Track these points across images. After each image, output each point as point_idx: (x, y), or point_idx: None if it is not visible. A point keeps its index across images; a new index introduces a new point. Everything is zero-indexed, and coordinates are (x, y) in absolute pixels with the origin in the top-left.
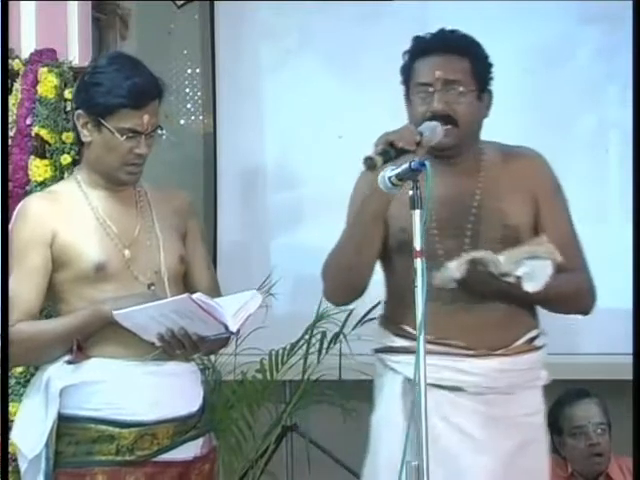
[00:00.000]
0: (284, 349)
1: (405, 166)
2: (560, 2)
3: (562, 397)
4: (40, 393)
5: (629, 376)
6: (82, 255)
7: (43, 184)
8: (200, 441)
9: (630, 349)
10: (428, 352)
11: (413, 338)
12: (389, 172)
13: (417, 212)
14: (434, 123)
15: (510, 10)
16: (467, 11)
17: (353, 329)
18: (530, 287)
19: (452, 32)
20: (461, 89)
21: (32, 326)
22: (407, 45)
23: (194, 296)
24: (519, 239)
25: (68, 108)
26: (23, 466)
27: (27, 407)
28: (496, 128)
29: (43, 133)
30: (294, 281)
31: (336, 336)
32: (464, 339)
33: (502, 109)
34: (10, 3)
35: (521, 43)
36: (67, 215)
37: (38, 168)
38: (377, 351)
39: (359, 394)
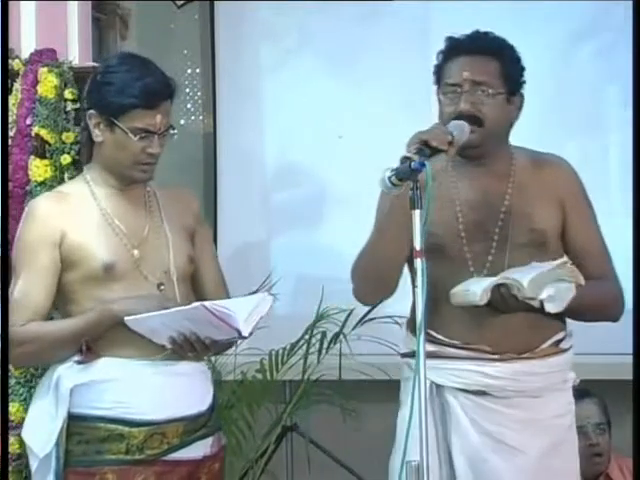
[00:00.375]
0: (284, 349)
1: (405, 166)
2: (560, 2)
3: None
4: (50, 392)
5: (629, 376)
6: (91, 255)
7: (43, 184)
8: (210, 440)
9: (630, 349)
10: (454, 357)
11: (439, 343)
12: (389, 172)
13: (417, 212)
14: (461, 122)
15: (510, 10)
16: (467, 11)
17: (353, 329)
18: (552, 308)
19: (485, 34)
20: (489, 91)
21: (42, 326)
22: (407, 45)
23: (207, 304)
24: (546, 244)
25: (68, 108)
26: (34, 465)
27: (37, 406)
28: None
29: (43, 133)
30: (294, 281)
31: (336, 336)
32: (489, 343)
33: None
34: (10, 3)
35: (521, 43)
36: (76, 215)
37: (38, 168)
38: (404, 355)
39: (359, 394)
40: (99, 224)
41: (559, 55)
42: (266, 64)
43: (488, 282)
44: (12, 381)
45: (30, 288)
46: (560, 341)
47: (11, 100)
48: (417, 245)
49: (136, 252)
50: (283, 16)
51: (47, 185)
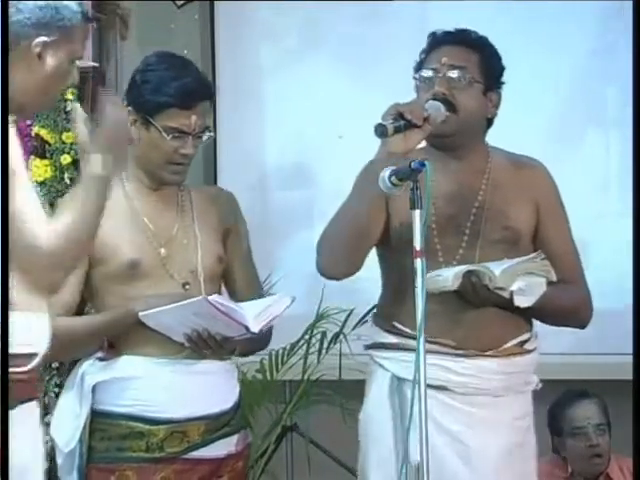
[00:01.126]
0: (284, 349)
1: (405, 166)
2: (560, 2)
3: (562, 398)
4: (75, 388)
5: (629, 376)
6: (117, 252)
7: (43, 184)
8: (235, 438)
9: (630, 349)
10: (416, 349)
11: (403, 335)
12: (388, 172)
13: (417, 212)
14: (437, 103)
15: (509, 10)
16: (467, 11)
17: (353, 329)
18: (521, 302)
19: (467, 29)
20: (466, 76)
21: (63, 322)
22: (408, 45)
23: (210, 298)
24: (518, 243)
25: (68, 108)
26: (59, 460)
27: (63, 402)
28: (496, 127)
29: (43, 133)
30: (294, 281)
31: (336, 336)
32: (455, 338)
33: (501, 108)
34: (10, 3)
35: (520, 42)
36: (105, 212)
37: (38, 168)
38: (367, 347)
39: (359, 394)
40: (128, 222)
41: (559, 54)
42: (266, 64)
43: (460, 268)
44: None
45: None
46: (525, 342)
47: None
48: (417, 245)
49: (163, 251)
50: (283, 16)
51: (47, 185)
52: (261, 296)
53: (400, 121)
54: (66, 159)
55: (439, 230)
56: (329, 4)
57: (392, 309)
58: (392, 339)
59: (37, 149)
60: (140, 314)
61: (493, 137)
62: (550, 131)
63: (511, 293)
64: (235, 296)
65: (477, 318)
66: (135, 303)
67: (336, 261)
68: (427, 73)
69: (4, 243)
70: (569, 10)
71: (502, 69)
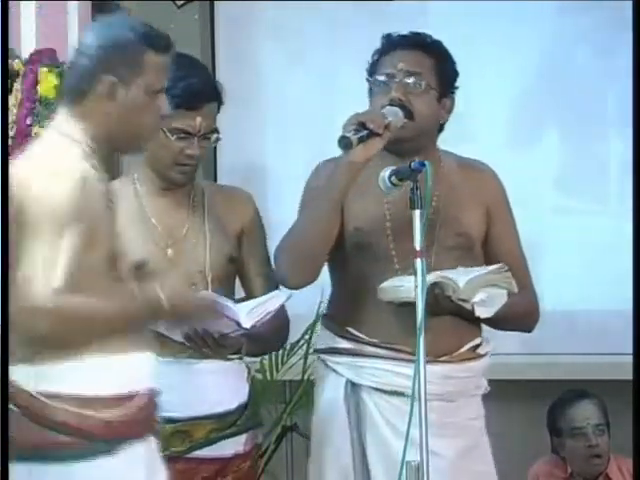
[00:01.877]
0: (284, 349)
1: (405, 166)
2: (560, 2)
3: (561, 398)
4: None
5: (629, 376)
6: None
7: None
8: (242, 438)
9: (630, 349)
10: (372, 355)
11: (357, 340)
12: (388, 172)
13: (417, 212)
14: (395, 108)
15: (510, 10)
16: (466, 11)
17: None
18: (483, 313)
19: (422, 33)
20: (422, 83)
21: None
22: None
23: (200, 294)
24: (472, 249)
25: None
26: None
27: None
28: (496, 127)
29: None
30: None
31: None
32: (409, 344)
33: (502, 108)
34: (10, 3)
35: (521, 43)
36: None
37: None
38: (318, 352)
39: None
40: (136, 222)
41: (558, 54)
42: (266, 64)
43: (430, 276)
44: None
45: None
46: (477, 346)
47: (11, 100)
48: (417, 245)
49: (170, 251)
50: (284, 16)
51: None
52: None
53: (362, 131)
54: None
55: (394, 236)
56: (329, 4)
57: (346, 315)
58: (346, 344)
59: None
60: None
61: (494, 137)
62: (550, 130)
63: (472, 304)
64: (252, 296)
65: (432, 325)
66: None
67: (299, 270)
68: (382, 77)
69: (4, 243)
70: (569, 9)
71: (456, 74)
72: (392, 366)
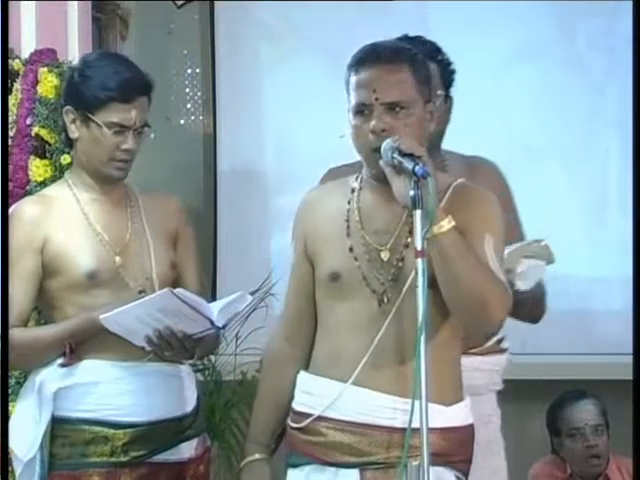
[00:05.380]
0: None
1: (409, 164)
2: (560, 1)
3: (560, 398)
4: (33, 396)
5: (629, 376)
6: (74, 263)
7: (43, 184)
8: (194, 442)
9: (630, 349)
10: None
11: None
12: (393, 149)
13: (418, 212)
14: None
15: (509, 10)
16: (466, 11)
17: None
18: (522, 285)
19: (416, 38)
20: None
21: (24, 333)
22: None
23: (175, 290)
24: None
25: None
26: (18, 469)
27: (20, 411)
28: (497, 127)
29: (43, 133)
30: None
31: None
32: None
33: (502, 108)
34: (10, 3)
35: (521, 43)
36: (59, 221)
37: (38, 168)
38: None
39: None
40: (82, 230)
41: (558, 54)
42: (266, 64)
43: None
44: (12, 381)
45: (12, 293)
46: (500, 340)
47: (11, 100)
48: (418, 245)
49: (118, 259)
50: (283, 16)
51: (47, 185)
52: (209, 300)
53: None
54: (66, 159)
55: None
56: (329, 4)
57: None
58: None
59: (37, 149)
60: (101, 317)
61: (497, 141)
62: (549, 130)
63: (513, 277)
64: None
65: None
66: (95, 311)
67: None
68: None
69: (4, 243)
70: (569, 9)
71: (452, 75)
72: None
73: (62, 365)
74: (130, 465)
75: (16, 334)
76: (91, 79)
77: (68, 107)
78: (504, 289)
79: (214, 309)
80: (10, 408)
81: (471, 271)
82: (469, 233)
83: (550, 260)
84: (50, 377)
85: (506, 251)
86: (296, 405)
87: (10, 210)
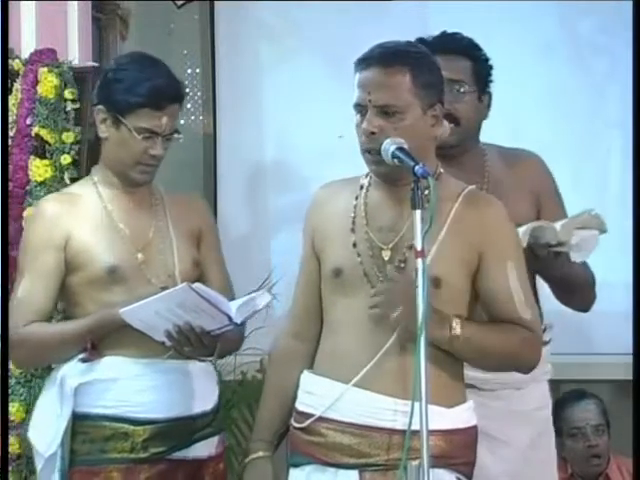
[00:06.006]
0: None
1: (409, 164)
2: (560, 2)
3: (561, 398)
4: (55, 391)
5: (629, 376)
6: (95, 259)
7: (43, 184)
8: (215, 440)
9: (630, 349)
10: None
11: None
12: (394, 148)
13: (418, 212)
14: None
15: (510, 10)
16: (466, 11)
17: None
18: (579, 257)
19: (453, 34)
20: (463, 89)
21: (44, 328)
22: None
23: (193, 285)
24: None
25: (68, 108)
26: (39, 465)
27: (42, 405)
28: (497, 126)
29: (43, 133)
30: (294, 281)
31: None
32: None
33: (502, 108)
34: (10, 3)
35: (521, 43)
36: (81, 218)
37: (38, 168)
38: None
39: None
40: (104, 227)
41: (558, 54)
42: (266, 64)
43: (527, 226)
44: (12, 381)
45: (33, 289)
46: (543, 331)
47: (11, 100)
48: (418, 245)
49: (140, 256)
50: (283, 16)
51: (47, 185)
52: (233, 299)
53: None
54: (66, 159)
55: None
56: (329, 4)
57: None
58: None
59: (37, 149)
60: (121, 310)
61: (496, 141)
62: (550, 130)
63: (569, 250)
64: None
65: None
66: (115, 308)
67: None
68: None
69: (4, 243)
70: (569, 9)
71: (491, 69)
72: None
73: (83, 360)
74: (149, 461)
75: (35, 329)
76: (122, 82)
77: (100, 107)
78: (532, 335)
79: (233, 306)
80: (10, 408)
81: (495, 347)
82: (488, 261)
83: (603, 229)
84: (70, 373)
85: (558, 224)
86: (298, 405)
87: (33, 208)
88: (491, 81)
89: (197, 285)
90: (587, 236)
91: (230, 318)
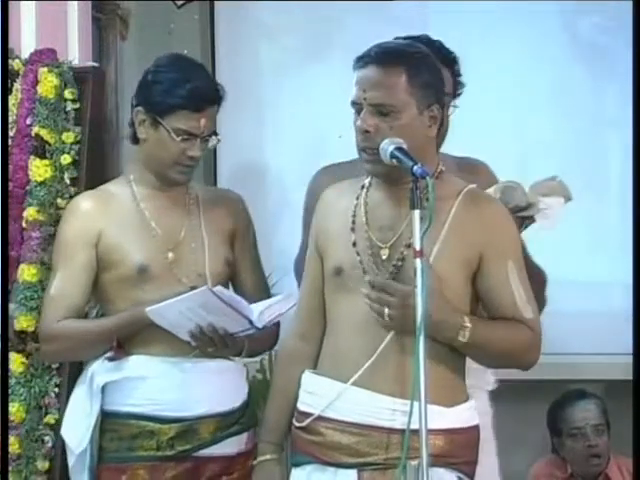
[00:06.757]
0: None
1: (407, 164)
2: (560, 2)
3: (561, 398)
4: (85, 388)
5: (629, 376)
6: (126, 258)
7: (43, 184)
8: (244, 436)
9: (630, 349)
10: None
11: None
12: (392, 148)
13: (417, 212)
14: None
15: (510, 10)
16: (466, 11)
17: None
18: (547, 225)
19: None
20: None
21: (76, 324)
22: None
23: (214, 288)
24: None
25: (68, 108)
26: (71, 461)
27: (74, 402)
28: (497, 126)
29: (43, 133)
30: (294, 281)
31: None
32: None
33: (502, 108)
34: (10, 3)
35: (521, 42)
36: (114, 216)
37: (38, 168)
38: None
39: None
40: (136, 226)
41: (558, 54)
42: (266, 64)
43: (498, 185)
44: (12, 381)
45: (66, 286)
46: None
47: (11, 100)
48: (417, 245)
49: (171, 255)
50: (283, 16)
51: (47, 185)
52: (269, 298)
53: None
54: (66, 159)
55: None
56: (329, 4)
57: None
58: None
59: (37, 149)
60: (147, 309)
61: (497, 141)
62: (550, 130)
63: (538, 212)
64: (244, 299)
65: None
66: (144, 307)
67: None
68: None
69: (4, 243)
70: (569, 9)
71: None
72: None
73: (109, 359)
74: (175, 459)
75: (67, 324)
76: (162, 84)
77: (139, 108)
78: (533, 334)
79: (256, 310)
80: (10, 408)
81: (500, 343)
82: (489, 260)
83: (568, 196)
84: (99, 370)
85: (529, 185)
86: (299, 404)
87: (68, 204)
88: (444, 95)
89: (218, 288)
90: (553, 203)
91: (251, 322)
